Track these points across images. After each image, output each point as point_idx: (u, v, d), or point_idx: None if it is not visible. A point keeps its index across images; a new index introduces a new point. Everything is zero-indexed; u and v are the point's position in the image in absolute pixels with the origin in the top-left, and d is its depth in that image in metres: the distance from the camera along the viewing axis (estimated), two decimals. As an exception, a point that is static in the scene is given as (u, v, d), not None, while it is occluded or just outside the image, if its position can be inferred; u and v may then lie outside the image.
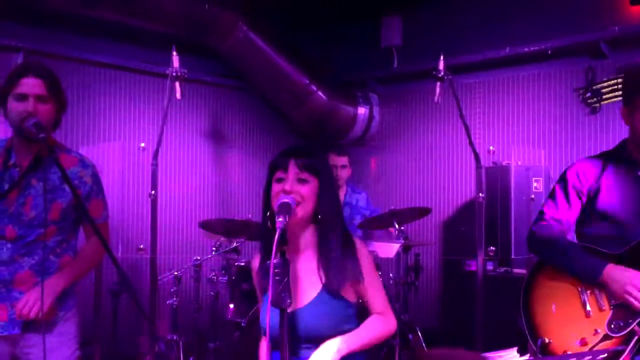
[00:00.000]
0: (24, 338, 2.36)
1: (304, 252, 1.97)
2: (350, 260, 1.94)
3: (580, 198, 2.49)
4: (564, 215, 2.51)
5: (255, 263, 2.08)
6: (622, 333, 2.24)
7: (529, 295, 2.49)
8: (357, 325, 1.96)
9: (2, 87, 2.37)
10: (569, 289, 2.39)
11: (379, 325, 1.97)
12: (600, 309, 2.32)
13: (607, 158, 2.53)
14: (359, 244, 2.00)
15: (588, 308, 2.33)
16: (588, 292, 2.36)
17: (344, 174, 4.80)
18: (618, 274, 2.29)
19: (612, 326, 2.27)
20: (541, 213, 2.58)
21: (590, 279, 2.34)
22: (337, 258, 1.92)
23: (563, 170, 2.59)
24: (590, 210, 2.47)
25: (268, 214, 1.95)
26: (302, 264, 1.95)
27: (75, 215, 2.48)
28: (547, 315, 2.41)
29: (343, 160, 4.78)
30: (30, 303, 2.25)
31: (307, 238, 1.98)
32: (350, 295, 1.95)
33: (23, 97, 2.31)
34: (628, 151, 2.47)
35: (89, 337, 3.44)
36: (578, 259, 2.39)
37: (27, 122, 2.27)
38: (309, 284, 1.93)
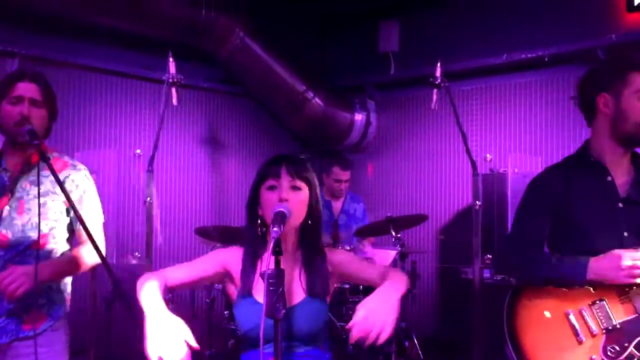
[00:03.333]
0: (12, 347, 2.33)
1: (288, 259, 1.97)
2: (325, 265, 2.01)
3: (546, 215, 2.28)
4: (533, 235, 2.31)
5: (238, 253, 2.03)
6: (620, 358, 2.11)
7: (513, 324, 2.26)
8: (328, 320, 2.01)
9: None
10: (555, 314, 2.20)
11: (397, 276, 1.95)
12: (592, 334, 2.15)
13: (571, 165, 2.34)
14: (334, 252, 2.08)
15: (579, 334, 2.16)
16: (576, 316, 2.18)
17: (346, 187, 4.82)
18: (604, 261, 2.12)
19: (609, 352, 2.12)
20: (511, 234, 2.42)
21: (578, 279, 2.16)
22: (319, 266, 1.98)
23: (528, 183, 2.43)
24: (560, 225, 2.28)
25: (259, 221, 1.97)
26: (287, 269, 1.92)
27: (69, 221, 2.46)
28: (537, 345, 2.21)
29: (347, 175, 4.78)
30: (14, 276, 2.17)
31: (293, 245, 2.00)
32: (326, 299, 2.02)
33: (18, 100, 2.32)
34: (595, 154, 2.29)
35: (83, 345, 3.42)
36: (560, 264, 2.21)
37: (22, 129, 2.27)
38: (294, 288, 1.96)
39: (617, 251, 2.14)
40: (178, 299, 4.20)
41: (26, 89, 2.33)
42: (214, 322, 4.25)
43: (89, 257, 2.49)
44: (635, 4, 4.40)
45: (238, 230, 4.27)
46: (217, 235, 4.21)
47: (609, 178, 2.27)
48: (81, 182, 2.47)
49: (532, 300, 2.27)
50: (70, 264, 2.45)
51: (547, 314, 2.22)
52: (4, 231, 2.33)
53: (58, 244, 2.44)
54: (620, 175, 2.29)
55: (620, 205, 2.26)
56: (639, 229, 2.25)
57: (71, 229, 2.50)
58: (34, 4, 4.08)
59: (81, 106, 4.63)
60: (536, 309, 2.24)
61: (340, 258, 2.07)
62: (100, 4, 4.25)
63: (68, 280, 2.53)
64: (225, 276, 2.04)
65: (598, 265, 2.16)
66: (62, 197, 2.39)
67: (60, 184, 2.13)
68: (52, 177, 2.24)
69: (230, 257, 2.03)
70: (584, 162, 2.33)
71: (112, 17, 4.41)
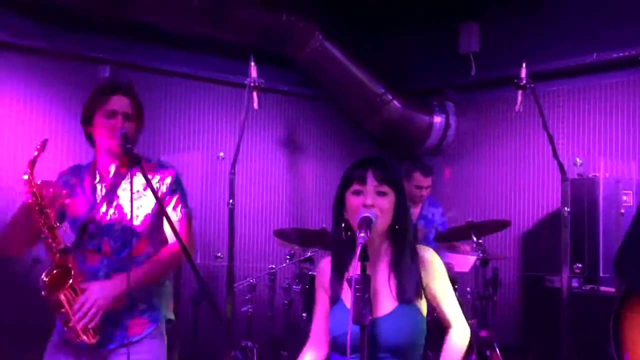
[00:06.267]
0: (112, 354, 2.35)
1: (378, 264, 1.95)
2: (418, 271, 1.95)
3: None
4: None
5: (325, 266, 2.06)
6: None
7: (619, 323, 2.35)
8: (425, 340, 1.95)
9: (88, 106, 2.44)
10: None
11: (457, 342, 2.00)
12: None
13: None
14: (429, 254, 2.00)
15: None
16: None
17: (426, 193, 4.75)
18: None
19: None
20: (627, 237, 2.44)
21: None
22: (409, 270, 1.92)
23: None
24: None
25: (343, 225, 1.95)
26: (376, 275, 1.93)
27: (158, 220, 2.49)
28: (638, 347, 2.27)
29: (428, 181, 4.72)
30: (84, 309, 2.22)
31: (381, 251, 1.97)
32: (423, 309, 1.96)
33: (112, 114, 2.39)
34: None
35: (169, 344, 3.52)
36: None
37: (116, 133, 2.35)
38: (384, 296, 1.92)
39: None
40: (257, 299, 4.27)
41: (121, 103, 2.40)
42: (291, 324, 4.29)
43: (174, 254, 2.47)
44: None
45: (317, 233, 4.29)
46: (296, 237, 4.24)
47: None
48: (168, 179, 2.49)
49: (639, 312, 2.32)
50: (154, 268, 2.44)
51: None
52: (107, 239, 2.38)
53: (153, 246, 2.48)
54: None
55: None
56: None
57: (161, 229, 2.54)
58: (123, 13, 4.24)
59: (167, 110, 4.79)
60: None
61: (434, 270, 1.99)
62: (185, 12, 4.37)
63: (169, 284, 2.57)
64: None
65: None
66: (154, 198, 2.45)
67: (152, 188, 2.19)
68: (142, 180, 2.30)
69: (324, 274, 2.06)
70: None
71: (197, 24, 4.53)
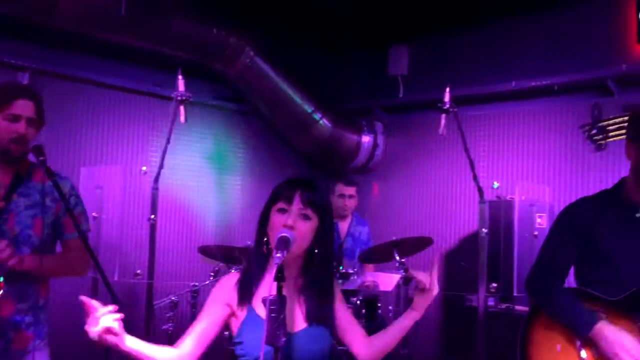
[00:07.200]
0: None
1: (290, 285, 1.92)
2: (330, 296, 1.98)
3: (575, 241, 2.44)
4: (560, 260, 2.48)
5: (229, 281, 1.99)
6: None
7: (526, 341, 2.43)
8: (331, 346, 1.97)
9: None
10: (566, 338, 2.34)
11: None
12: None
13: (603, 199, 2.49)
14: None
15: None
16: (585, 347, 2.30)
17: (351, 203, 4.77)
18: (608, 334, 2.22)
19: None
20: (538, 258, 2.55)
21: (580, 334, 2.29)
22: (321, 294, 1.95)
23: (559, 212, 2.57)
24: (587, 253, 2.43)
25: (265, 239, 1.93)
26: (289, 295, 1.89)
27: (53, 232, 2.46)
28: None
29: (351, 190, 4.75)
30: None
31: (295, 271, 1.95)
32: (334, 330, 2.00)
33: (15, 118, 2.33)
34: (626, 191, 2.41)
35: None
36: (571, 310, 2.34)
37: (26, 146, 2.29)
38: (294, 315, 1.92)
39: (628, 338, 2.21)
40: (179, 317, 4.17)
41: (25, 107, 2.34)
42: (214, 342, 4.20)
43: (81, 262, 2.50)
44: (646, 34, 4.40)
45: (241, 251, 4.24)
46: (220, 254, 4.18)
47: (638, 215, 2.37)
48: (67, 190, 2.46)
49: (545, 330, 2.41)
50: (67, 264, 2.47)
51: (558, 343, 2.36)
52: None
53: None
54: None
55: None
56: None
57: (54, 243, 2.51)
58: (46, 21, 4.09)
59: (89, 121, 4.65)
60: (549, 339, 2.39)
61: (339, 297, 2.05)
62: (112, 21, 4.27)
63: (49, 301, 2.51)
64: (230, 315, 1.97)
65: (603, 332, 2.24)
66: (51, 210, 2.40)
67: (59, 188, 2.20)
68: (38, 187, 2.33)
69: (230, 290, 1.97)
70: (615, 197, 2.45)
71: (123, 34, 4.43)
